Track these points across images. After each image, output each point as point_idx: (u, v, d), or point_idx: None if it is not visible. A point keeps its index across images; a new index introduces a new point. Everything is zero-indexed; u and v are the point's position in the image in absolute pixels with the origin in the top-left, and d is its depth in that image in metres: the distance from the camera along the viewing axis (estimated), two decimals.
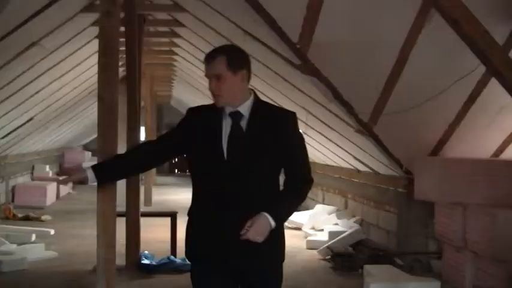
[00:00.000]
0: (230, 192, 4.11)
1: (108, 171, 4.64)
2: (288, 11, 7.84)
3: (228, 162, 4.12)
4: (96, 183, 4.73)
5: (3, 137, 15.11)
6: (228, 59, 4.12)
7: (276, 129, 4.20)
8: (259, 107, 4.26)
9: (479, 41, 6.17)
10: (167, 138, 4.52)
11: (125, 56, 10.54)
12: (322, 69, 8.43)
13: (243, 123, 4.18)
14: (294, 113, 4.34)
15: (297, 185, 4.35)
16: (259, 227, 4.04)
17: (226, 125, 4.17)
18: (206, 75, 4.17)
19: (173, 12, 12.13)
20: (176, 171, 35.21)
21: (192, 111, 4.41)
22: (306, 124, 12.12)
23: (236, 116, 4.18)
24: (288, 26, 7.93)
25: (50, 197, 19.50)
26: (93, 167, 4.49)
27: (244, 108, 4.20)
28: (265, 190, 4.21)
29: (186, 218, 4.30)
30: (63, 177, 4.76)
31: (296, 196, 4.37)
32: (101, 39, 6.33)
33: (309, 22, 7.64)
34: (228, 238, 4.09)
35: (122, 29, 10.17)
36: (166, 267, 10.01)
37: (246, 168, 4.12)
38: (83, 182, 4.59)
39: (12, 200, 18.52)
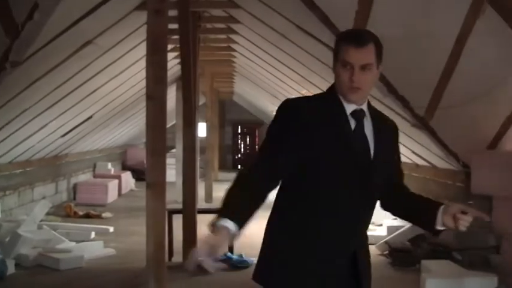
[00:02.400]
0: (359, 205, 3.50)
1: (245, 220, 3.23)
2: (340, 5, 7.78)
3: (361, 171, 3.45)
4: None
5: (63, 135, 15.30)
6: (377, 49, 3.44)
7: (391, 138, 3.71)
8: (371, 109, 3.62)
9: None
10: (286, 152, 3.41)
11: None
12: None
13: (366, 125, 3.51)
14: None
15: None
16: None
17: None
18: (346, 61, 3.38)
19: (228, 9, 12.11)
20: (239, 166, 35.09)
21: (300, 105, 3.53)
22: None
23: (360, 115, 3.50)
24: (340, 21, 7.86)
25: (112, 194, 19.68)
26: (233, 219, 3.15)
27: (365, 109, 3.55)
28: (376, 203, 3.68)
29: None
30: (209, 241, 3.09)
31: None
32: (148, 37, 6.37)
33: (361, 16, 7.56)
34: (353, 259, 3.51)
35: (176, 26, 10.24)
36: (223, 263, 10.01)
37: (374, 178, 3.50)
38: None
39: (74, 198, 18.79)
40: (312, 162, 3.39)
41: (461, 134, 9.35)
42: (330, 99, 3.50)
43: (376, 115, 3.61)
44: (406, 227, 11.92)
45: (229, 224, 3.10)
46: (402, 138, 11.10)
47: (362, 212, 3.54)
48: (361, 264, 3.51)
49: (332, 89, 3.53)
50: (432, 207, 3.49)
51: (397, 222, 12.79)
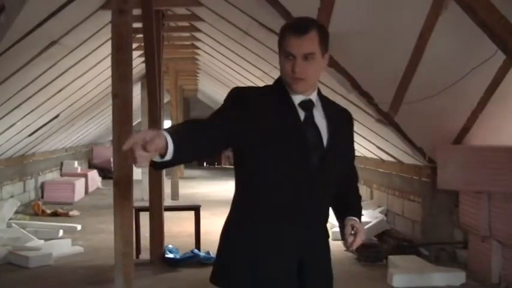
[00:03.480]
0: (311, 198, 3.31)
1: (185, 149, 2.90)
2: (302, 2, 7.80)
3: (312, 163, 3.31)
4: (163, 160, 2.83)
5: (30, 135, 15.23)
6: (320, 36, 3.27)
7: (345, 128, 3.56)
8: (323, 99, 3.48)
9: (496, 26, 6.10)
10: (228, 121, 3.19)
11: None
12: (339, 60, 8.39)
13: (317, 116, 3.37)
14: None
15: (357, 185, 3.82)
16: (363, 234, 3.47)
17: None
18: (287, 51, 3.25)
19: (190, 7, 12.11)
20: (205, 164, 35.04)
21: (248, 92, 3.45)
22: None
23: (308, 106, 3.36)
24: None
25: (79, 193, 19.65)
26: (172, 137, 2.79)
27: (314, 98, 3.40)
28: (331, 195, 3.51)
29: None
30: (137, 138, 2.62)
31: (360, 196, 3.81)
32: (113, 36, 6.37)
33: (324, 13, 7.59)
34: (305, 256, 3.35)
35: (140, 25, 10.22)
36: (190, 260, 10.04)
37: (327, 170, 3.35)
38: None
39: (42, 196, 18.71)
40: (257, 153, 3.26)
41: (426, 129, 9.40)
42: (277, 90, 3.37)
43: (328, 104, 3.49)
44: (372, 223, 12.00)
45: (167, 136, 2.75)
46: (367, 133, 11.20)
47: (314, 205, 3.36)
48: (311, 262, 3.37)
49: (279, 81, 3.40)
50: (343, 217, 3.52)
51: (363, 218, 12.83)
